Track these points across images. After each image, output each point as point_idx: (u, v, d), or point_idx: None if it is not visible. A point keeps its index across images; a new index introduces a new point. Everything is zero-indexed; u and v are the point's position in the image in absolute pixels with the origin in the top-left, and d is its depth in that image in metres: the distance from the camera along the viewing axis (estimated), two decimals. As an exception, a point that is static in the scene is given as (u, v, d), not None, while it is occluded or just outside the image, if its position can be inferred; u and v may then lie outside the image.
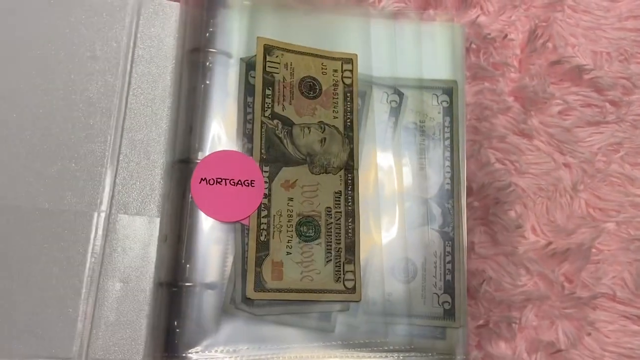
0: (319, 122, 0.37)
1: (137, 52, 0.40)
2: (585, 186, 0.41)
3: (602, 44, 0.43)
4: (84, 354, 0.35)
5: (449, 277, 0.36)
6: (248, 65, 0.38)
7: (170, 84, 0.40)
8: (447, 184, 0.38)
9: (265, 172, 0.36)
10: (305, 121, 0.37)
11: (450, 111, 0.39)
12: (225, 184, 0.36)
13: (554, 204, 0.40)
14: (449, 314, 0.36)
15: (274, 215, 0.36)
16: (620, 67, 0.43)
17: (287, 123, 0.37)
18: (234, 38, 0.39)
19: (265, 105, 0.37)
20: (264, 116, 0.37)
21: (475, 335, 0.38)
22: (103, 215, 0.37)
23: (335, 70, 0.38)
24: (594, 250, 0.40)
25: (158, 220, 0.37)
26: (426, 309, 0.36)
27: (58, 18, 0.39)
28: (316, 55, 0.38)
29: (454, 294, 0.36)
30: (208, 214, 0.36)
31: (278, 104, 0.37)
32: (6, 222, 0.35)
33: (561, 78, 0.42)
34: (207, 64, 0.38)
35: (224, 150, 0.37)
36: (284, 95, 0.38)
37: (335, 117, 0.38)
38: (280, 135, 0.37)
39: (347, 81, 0.38)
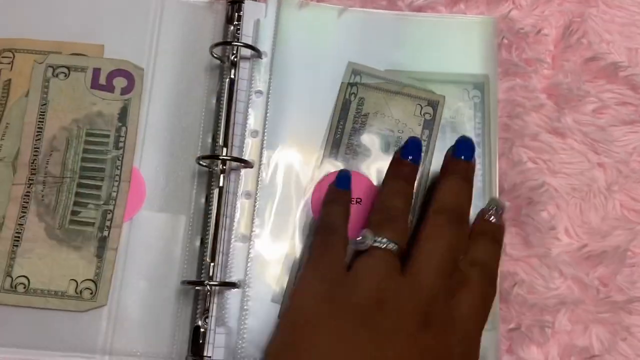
0: None
1: (160, 46, 0.39)
2: (620, 187, 0.39)
3: (638, 41, 0.42)
4: (108, 350, 0.34)
5: (480, 278, 0.35)
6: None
7: (196, 78, 0.39)
8: (479, 182, 0.37)
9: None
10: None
11: (482, 107, 0.38)
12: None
13: (588, 205, 0.39)
14: (481, 317, 0.35)
15: None
16: (656, 65, 0.41)
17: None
18: (260, 32, 0.38)
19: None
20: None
21: (507, 339, 0.37)
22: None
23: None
24: (629, 253, 0.38)
25: (184, 217, 0.36)
26: (458, 311, 0.35)
27: (84, 10, 0.39)
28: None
29: (485, 296, 0.35)
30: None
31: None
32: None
33: (595, 75, 0.41)
34: (233, 58, 0.38)
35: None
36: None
37: None
38: None
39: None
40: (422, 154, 0.37)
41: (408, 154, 0.35)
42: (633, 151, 0.40)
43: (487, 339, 0.35)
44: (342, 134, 0.38)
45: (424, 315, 0.29)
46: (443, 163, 0.35)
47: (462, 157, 0.34)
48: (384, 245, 0.31)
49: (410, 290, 0.30)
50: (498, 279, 0.34)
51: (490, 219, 0.35)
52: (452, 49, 0.39)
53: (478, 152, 0.37)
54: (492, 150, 0.38)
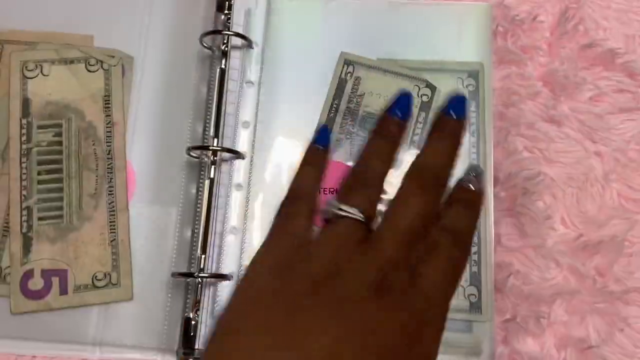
0: None
1: (151, 35, 0.39)
2: (617, 176, 0.39)
3: (635, 27, 0.41)
4: (99, 342, 0.34)
5: (475, 269, 0.35)
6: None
7: (187, 67, 0.38)
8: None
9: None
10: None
11: (476, 95, 0.37)
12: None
13: (585, 195, 0.39)
14: (476, 307, 0.34)
15: None
16: (654, 51, 0.41)
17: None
18: (251, 21, 0.38)
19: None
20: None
21: (502, 330, 0.36)
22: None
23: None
24: (626, 242, 0.38)
25: (174, 209, 0.36)
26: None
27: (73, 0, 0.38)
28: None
29: (480, 286, 0.35)
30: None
31: None
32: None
33: (592, 62, 0.40)
34: (223, 47, 0.37)
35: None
36: None
37: None
38: None
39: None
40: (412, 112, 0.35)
41: (396, 110, 0.33)
42: (631, 139, 0.39)
43: (482, 329, 0.34)
44: (335, 114, 0.37)
45: (379, 284, 0.28)
46: (432, 122, 0.34)
47: (453, 115, 0.33)
48: (349, 214, 0.30)
49: (366, 259, 0.29)
50: (493, 266, 0.34)
51: (469, 186, 0.33)
52: (446, 36, 0.38)
53: (472, 141, 0.37)
54: (487, 139, 0.37)
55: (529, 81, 0.39)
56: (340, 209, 0.30)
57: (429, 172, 0.32)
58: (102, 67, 0.37)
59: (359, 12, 0.38)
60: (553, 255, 0.37)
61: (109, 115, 0.37)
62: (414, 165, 0.32)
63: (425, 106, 0.37)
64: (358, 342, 0.26)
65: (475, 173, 0.33)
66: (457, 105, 0.33)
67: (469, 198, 0.33)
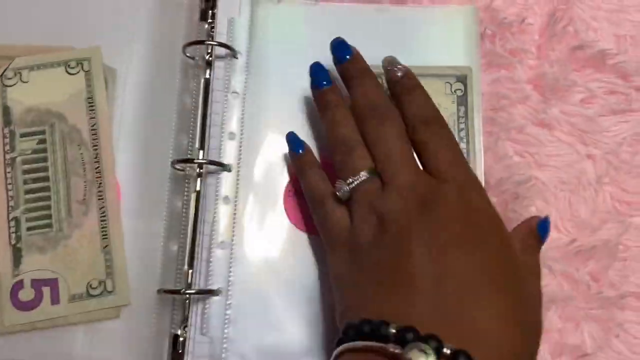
0: None
1: (134, 46, 0.38)
2: (610, 179, 0.38)
3: (626, 27, 0.41)
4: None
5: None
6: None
7: (170, 78, 0.38)
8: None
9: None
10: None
11: (464, 100, 0.37)
12: None
13: (577, 199, 0.38)
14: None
15: None
16: (645, 51, 0.40)
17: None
18: (235, 30, 0.37)
19: None
20: None
21: (496, 339, 0.36)
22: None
23: None
24: (620, 246, 0.37)
25: (160, 222, 0.36)
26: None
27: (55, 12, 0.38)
28: None
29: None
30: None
31: None
32: None
33: (583, 64, 0.40)
34: (207, 57, 0.37)
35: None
36: None
37: None
38: None
39: None
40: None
41: (319, 81, 0.34)
42: (623, 141, 0.39)
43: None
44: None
45: (420, 205, 0.29)
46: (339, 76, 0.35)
47: (345, 59, 0.34)
48: (359, 182, 0.31)
49: (396, 198, 0.30)
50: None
51: (397, 75, 0.34)
52: (433, 40, 0.38)
53: (462, 147, 0.36)
54: (477, 144, 0.36)
55: (519, 85, 0.39)
56: (350, 184, 0.31)
57: (371, 108, 0.33)
58: (82, 68, 0.36)
59: (344, 18, 0.38)
60: (546, 261, 0.36)
61: (94, 117, 0.36)
62: (356, 111, 0.33)
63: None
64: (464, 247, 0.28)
65: (390, 65, 0.34)
66: (339, 48, 0.34)
67: (405, 83, 0.34)
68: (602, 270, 0.37)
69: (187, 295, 0.33)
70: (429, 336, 0.24)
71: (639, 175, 0.39)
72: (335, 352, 0.26)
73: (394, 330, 0.24)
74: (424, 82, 0.37)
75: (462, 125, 0.36)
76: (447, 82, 0.37)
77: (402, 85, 0.34)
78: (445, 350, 0.23)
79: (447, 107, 0.37)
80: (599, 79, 0.39)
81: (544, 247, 0.36)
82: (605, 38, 0.40)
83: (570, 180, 0.38)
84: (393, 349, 0.24)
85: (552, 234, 0.37)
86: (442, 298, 0.26)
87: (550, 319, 0.36)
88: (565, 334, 0.36)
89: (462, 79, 0.37)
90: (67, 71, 0.37)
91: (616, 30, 0.41)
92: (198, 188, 0.35)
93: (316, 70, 0.35)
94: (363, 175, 0.31)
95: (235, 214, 0.35)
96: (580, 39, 0.40)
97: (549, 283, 0.36)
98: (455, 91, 0.37)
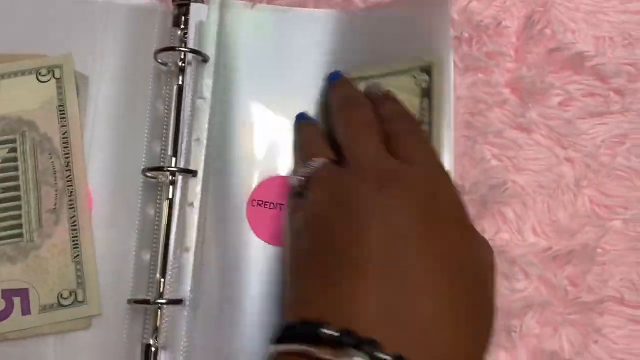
0: None
1: (105, 54, 0.38)
2: (589, 182, 0.38)
3: (605, 29, 0.40)
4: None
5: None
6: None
7: (142, 85, 0.37)
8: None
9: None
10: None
11: (428, 92, 0.36)
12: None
13: (556, 202, 0.38)
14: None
15: None
16: (624, 53, 0.39)
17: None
18: (203, 35, 0.37)
19: None
20: None
21: (473, 345, 0.35)
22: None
23: None
24: (599, 250, 0.37)
25: (131, 230, 0.35)
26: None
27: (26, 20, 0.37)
28: None
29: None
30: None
31: None
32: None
33: (561, 66, 0.39)
34: (180, 63, 0.36)
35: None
36: None
37: None
38: None
39: None
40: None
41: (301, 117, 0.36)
42: (601, 144, 0.39)
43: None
44: None
45: (378, 183, 0.28)
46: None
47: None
48: (311, 166, 0.31)
49: (354, 175, 0.29)
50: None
51: (377, 92, 0.35)
52: (401, 35, 0.37)
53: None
54: (447, 140, 0.35)
55: (496, 88, 0.38)
56: (305, 168, 0.32)
57: (343, 99, 0.34)
58: (54, 76, 0.36)
59: (313, 22, 0.37)
60: (523, 266, 0.36)
61: (65, 126, 0.36)
62: (332, 103, 0.35)
63: None
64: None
65: (370, 90, 0.35)
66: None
67: (385, 96, 0.35)
68: (580, 274, 0.36)
69: (158, 305, 0.33)
70: (365, 340, 0.23)
71: (618, 178, 0.38)
72: (265, 355, 0.25)
73: (329, 332, 0.23)
74: (392, 79, 0.36)
75: (426, 119, 0.35)
76: (413, 75, 0.36)
77: (382, 97, 0.35)
78: (380, 355, 0.22)
79: (412, 102, 0.36)
80: (577, 81, 0.39)
81: (521, 251, 0.36)
82: (584, 40, 0.40)
83: (549, 184, 0.38)
84: (323, 354, 0.23)
85: (530, 239, 0.37)
86: (387, 292, 0.25)
87: (528, 324, 0.35)
88: (543, 339, 0.36)
89: (427, 69, 0.36)
90: (38, 79, 0.36)
91: (595, 32, 0.40)
92: (170, 195, 0.34)
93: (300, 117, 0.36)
94: (321, 162, 0.31)
95: (197, 219, 0.34)
96: (558, 40, 0.39)
97: (526, 288, 0.36)
98: (420, 83, 0.36)
